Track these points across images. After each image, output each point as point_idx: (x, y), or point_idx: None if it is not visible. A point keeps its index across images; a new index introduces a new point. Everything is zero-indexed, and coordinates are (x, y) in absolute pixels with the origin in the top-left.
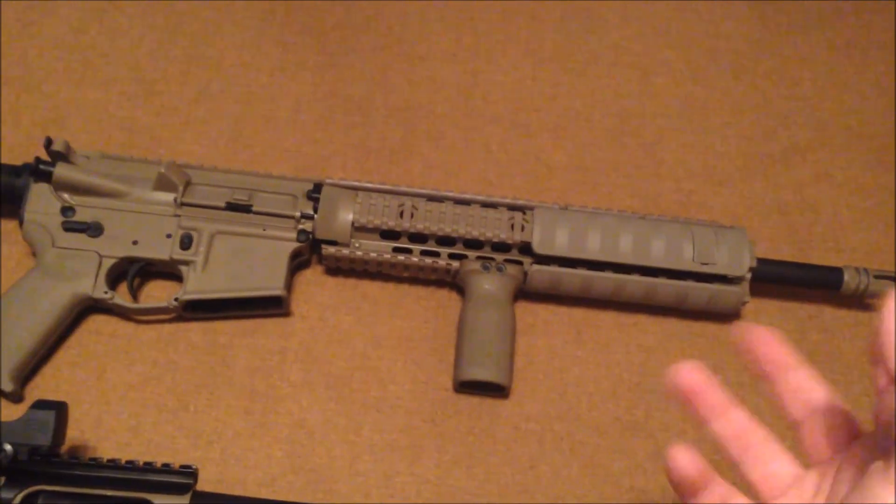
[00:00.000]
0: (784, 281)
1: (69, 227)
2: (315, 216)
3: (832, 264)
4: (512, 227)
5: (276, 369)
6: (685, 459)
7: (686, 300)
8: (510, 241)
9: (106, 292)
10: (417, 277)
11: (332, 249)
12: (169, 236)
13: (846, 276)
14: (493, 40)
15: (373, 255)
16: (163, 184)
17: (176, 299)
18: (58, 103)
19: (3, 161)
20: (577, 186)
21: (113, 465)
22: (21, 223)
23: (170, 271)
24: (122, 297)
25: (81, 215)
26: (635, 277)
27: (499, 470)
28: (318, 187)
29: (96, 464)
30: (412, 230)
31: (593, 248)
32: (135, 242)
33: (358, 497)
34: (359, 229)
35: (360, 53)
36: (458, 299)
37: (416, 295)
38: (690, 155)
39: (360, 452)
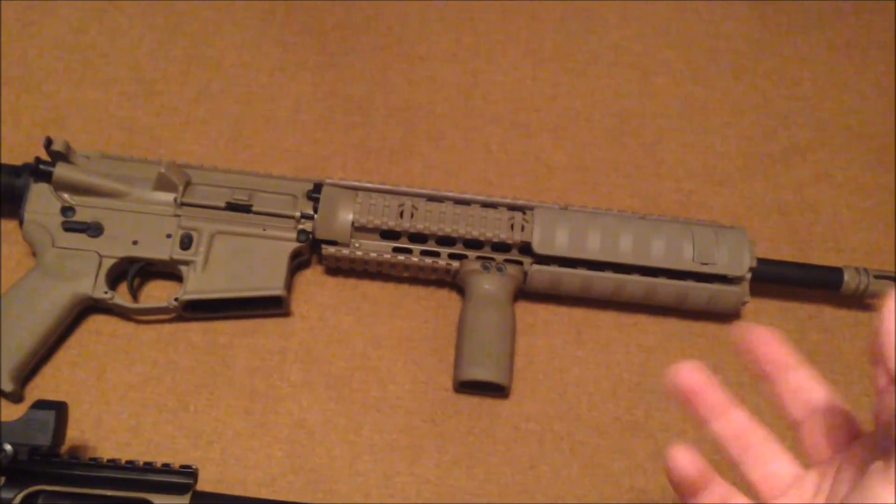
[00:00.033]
0: (784, 281)
1: (69, 227)
2: (315, 216)
3: (832, 264)
4: (512, 227)
5: (276, 369)
6: (685, 459)
7: (686, 300)
8: (510, 241)
9: (106, 292)
10: (417, 277)
11: (332, 249)
12: (169, 236)
13: (846, 276)
14: (493, 40)
15: (373, 255)
16: (163, 184)
17: (176, 299)
18: (58, 103)
19: (4, 161)
20: (577, 186)
21: (113, 465)
22: (21, 223)
23: (170, 271)
24: (122, 297)
25: (81, 215)
26: (635, 277)
27: (499, 470)
28: (318, 187)
29: (96, 464)
30: (412, 230)
31: (593, 248)
32: (135, 242)
33: (358, 497)
34: (359, 229)
35: (360, 53)
36: (458, 299)
37: (416, 295)
38: (690, 155)
39: (360, 452)
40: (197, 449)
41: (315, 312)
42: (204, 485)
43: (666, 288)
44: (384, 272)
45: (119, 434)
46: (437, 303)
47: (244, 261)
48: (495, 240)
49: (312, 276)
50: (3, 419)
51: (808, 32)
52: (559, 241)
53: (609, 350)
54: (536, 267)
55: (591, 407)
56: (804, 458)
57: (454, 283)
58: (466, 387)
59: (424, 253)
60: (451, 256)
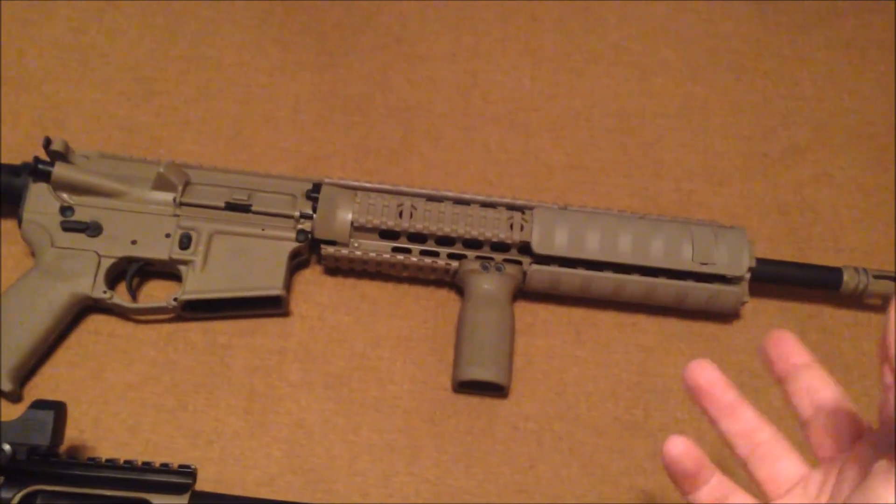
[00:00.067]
0: (783, 281)
1: (68, 227)
2: (314, 216)
3: (832, 264)
4: (511, 226)
5: (276, 369)
6: (680, 449)
7: (685, 300)
8: (509, 241)
9: (105, 292)
10: (417, 277)
11: (331, 249)
12: (168, 236)
13: (845, 276)
14: (492, 40)
15: (372, 254)
16: (162, 183)
17: (175, 299)
18: (57, 103)
19: (3, 161)
20: (576, 186)
21: (111, 464)
22: (20, 223)
23: (169, 271)
24: (120, 296)
25: (80, 215)
26: (635, 277)
27: (498, 470)
28: (317, 187)
29: (95, 464)
30: (411, 230)
31: (592, 247)
32: (134, 242)
33: (357, 497)
34: (358, 229)
35: (359, 53)
36: (457, 299)
37: (416, 295)
38: (690, 154)
39: (358, 452)
40: (196, 449)
41: (314, 312)
42: (203, 484)
43: (665, 288)
44: (383, 272)
45: (118, 434)
46: (436, 303)
47: (243, 261)
48: (494, 240)
49: (311, 276)
50: (1, 419)
51: (808, 32)
52: (558, 240)
53: (608, 350)
54: (536, 267)
55: (590, 407)
56: (811, 457)
57: (453, 282)
58: (465, 386)
59: (423, 253)
60: (451, 256)
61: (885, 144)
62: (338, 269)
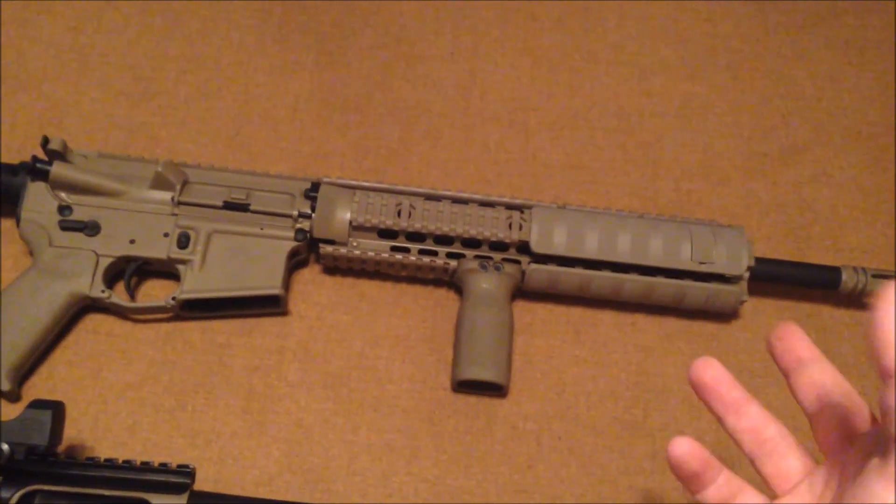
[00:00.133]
0: (782, 280)
1: (66, 226)
2: (313, 215)
3: (830, 263)
4: (510, 226)
5: (274, 369)
6: (685, 449)
7: (684, 299)
8: (508, 241)
9: (103, 291)
10: (415, 276)
11: (329, 248)
12: (166, 235)
13: (844, 276)
14: (491, 39)
15: (370, 254)
16: (160, 182)
17: (173, 298)
18: (55, 102)
19: (1, 160)
20: (574, 185)
21: (110, 464)
22: (18, 222)
23: (167, 270)
24: (119, 296)
25: (78, 214)
26: (633, 277)
27: (497, 469)
28: (315, 186)
29: (93, 463)
30: (410, 229)
31: (591, 247)
32: (132, 241)
33: (356, 496)
34: (356, 228)
35: (358, 52)
36: (455, 298)
37: (414, 294)
38: (689, 154)
39: (357, 452)
40: (194, 448)
41: (313, 312)
42: (201, 484)
43: (664, 287)
44: (382, 271)
45: (116, 433)
46: (434, 302)
47: (242, 260)
48: (493, 239)
49: (310, 276)
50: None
51: (807, 31)
52: (557, 240)
53: (607, 349)
54: (534, 266)
55: (589, 406)
56: (818, 453)
57: (452, 282)
58: (464, 386)
59: (422, 252)
60: (449, 255)
61: (884, 144)
62: (336, 268)
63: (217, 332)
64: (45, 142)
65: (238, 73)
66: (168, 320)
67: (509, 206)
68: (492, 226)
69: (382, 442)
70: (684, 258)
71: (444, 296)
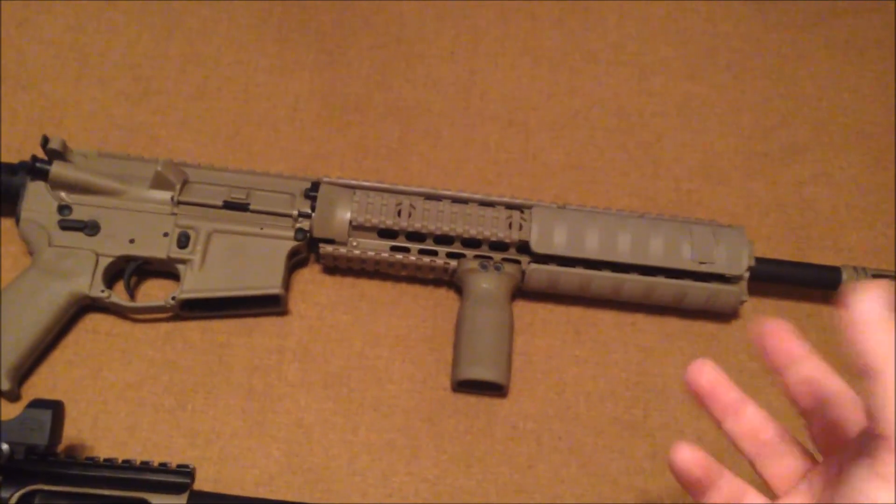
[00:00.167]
0: (782, 280)
1: (66, 226)
2: (313, 215)
3: (831, 263)
4: (510, 225)
5: (274, 368)
6: (687, 456)
7: (684, 299)
8: (508, 240)
9: (103, 291)
10: (415, 276)
11: (329, 248)
12: (166, 235)
13: (844, 276)
14: (491, 39)
15: (370, 253)
16: (160, 182)
17: (173, 298)
18: (55, 101)
19: (1, 159)
20: (575, 185)
21: (110, 464)
22: (17, 221)
23: (167, 270)
24: (118, 295)
25: (78, 214)
26: (634, 276)
27: (497, 469)
28: (315, 186)
29: (93, 463)
30: (410, 229)
31: (591, 247)
32: (132, 241)
33: (356, 496)
34: (356, 228)
35: (358, 52)
36: (455, 298)
37: (414, 294)
38: (689, 154)
39: (357, 452)
40: (194, 448)
41: (313, 311)
42: (201, 484)
43: (664, 287)
44: (382, 271)
45: (116, 433)
46: (434, 302)
47: (242, 259)
48: (493, 239)
49: (310, 275)
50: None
51: (807, 31)
52: (557, 239)
53: (607, 349)
54: (534, 266)
55: (589, 406)
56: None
57: (452, 282)
58: (464, 386)
59: (422, 252)
60: (449, 255)
61: (884, 144)
62: (336, 268)
63: (217, 332)
64: (45, 141)
65: (238, 72)
66: (168, 320)
67: (509, 206)
68: (492, 225)
69: (382, 442)
70: (684, 258)
71: (444, 296)
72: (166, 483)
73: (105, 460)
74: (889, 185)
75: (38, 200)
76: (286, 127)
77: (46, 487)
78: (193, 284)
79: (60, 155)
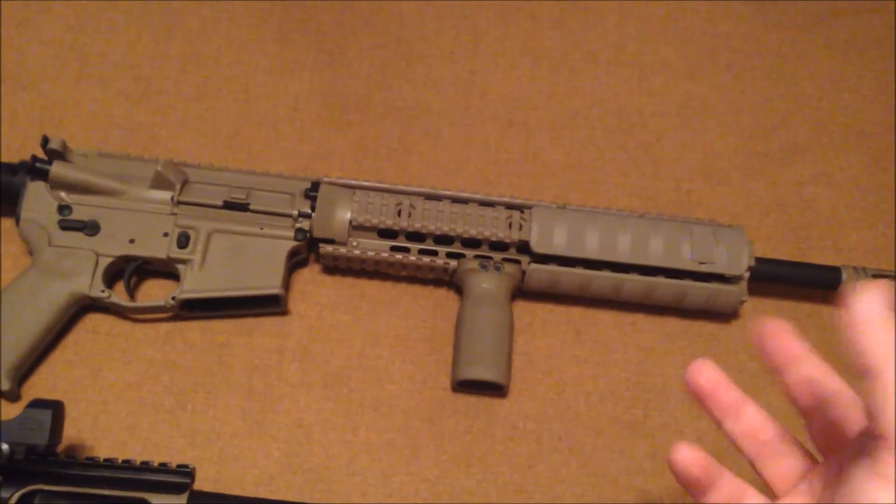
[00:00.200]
0: (782, 280)
1: (66, 226)
2: (313, 215)
3: (831, 263)
4: (510, 225)
5: (274, 368)
6: (688, 457)
7: (684, 299)
8: (508, 240)
9: (103, 291)
10: (415, 276)
11: (329, 248)
12: (166, 235)
13: (844, 276)
14: (491, 39)
15: (370, 253)
16: (160, 182)
17: (173, 298)
18: (55, 101)
19: (1, 159)
20: (575, 185)
21: (110, 464)
22: (17, 221)
23: (167, 270)
24: (118, 295)
25: (78, 213)
26: (634, 276)
27: (497, 469)
28: (315, 186)
29: (93, 463)
30: (410, 229)
31: (591, 247)
32: (132, 241)
33: (356, 496)
34: (356, 228)
35: (358, 52)
36: (455, 298)
37: (414, 294)
38: (689, 154)
39: (357, 452)
40: (194, 448)
41: (313, 311)
42: (201, 484)
43: (664, 287)
44: (382, 271)
45: (116, 433)
46: (434, 302)
47: (242, 259)
48: (493, 239)
49: (310, 275)
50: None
51: (807, 31)
52: (557, 239)
53: (607, 349)
54: (534, 266)
55: (589, 406)
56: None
57: (452, 282)
58: (464, 386)
59: (422, 252)
60: (449, 255)
61: (885, 144)
62: (336, 268)
63: (217, 332)
64: (45, 141)
65: (238, 72)
66: (168, 320)
67: (509, 206)
68: (492, 225)
69: (382, 442)
70: (684, 258)
71: (444, 296)
72: (166, 483)
73: (105, 460)
74: (889, 185)
75: (38, 200)
76: (286, 127)
77: (46, 487)
78: (193, 284)
79: (60, 155)
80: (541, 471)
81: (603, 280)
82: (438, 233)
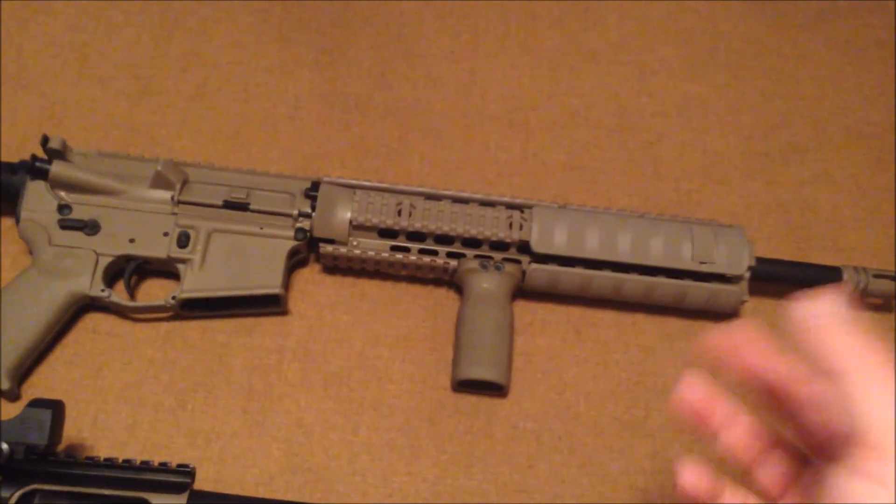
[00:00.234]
0: (783, 280)
1: (66, 225)
2: (313, 214)
3: (831, 263)
4: (510, 225)
5: (274, 368)
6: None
7: (685, 299)
8: (508, 240)
9: (103, 290)
10: (415, 276)
11: (329, 248)
12: (166, 234)
13: (845, 276)
14: (491, 39)
15: (371, 253)
16: (160, 182)
17: (173, 297)
18: (55, 101)
19: (1, 159)
20: (575, 185)
21: (110, 464)
22: (17, 221)
23: (167, 269)
24: (119, 295)
25: (78, 213)
26: (634, 276)
27: (497, 469)
28: (315, 185)
29: (93, 463)
30: (410, 229)
31: (592, 246)
32: (132, 240)
33: (356, 496)
34: (357, 228)
35: (358, 51)
36: (456, 298)
37: (415, 294)
38: (689, 153)
39: (358, 452)
40: (194, 448)
41: (313, 311)
42: (201, 484)
43: (665, 287)
44: (382, 271)
45: (116, 433)
46: (435, 302)
47: (242, 259)
48: (493, 238)
49: (310, 275)
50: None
51: (807, 31)
52: (557, 239)
53: (608, 349)
54: (535, 266)
55: (589, 406)
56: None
57: (452, 281)
58: (465, 386)
59: (422, 251)
60: (450, 255)
61: (885, 144)
62: (336, 267)
63: (217, 332)
64: (45, 141)
65: (238, 72)
66: (168, 319)
67: (510, 206)
68: (492, 225)
69: (382, 441)
70: (685, 258)
71: (445, 295)
72: (166, 483)
73: (105, 460)
74: (889, 185)
75: (37, 200)
76: (286, 127)
77: (46, 487)
78: (193, 284)
79: (60, 154)
80: (541, 471)
81: (603, 280)
82: (439, 232)
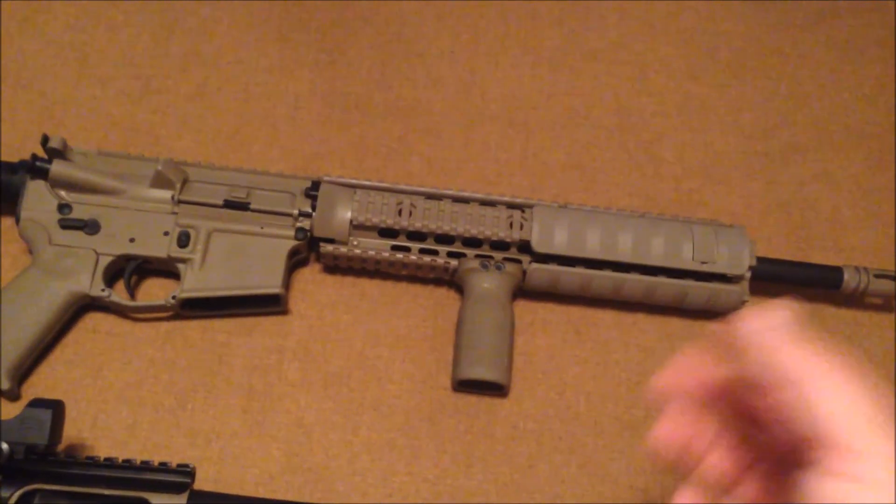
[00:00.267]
0: (784, 280)
1: (66, 225)
2: (313, 214)
3: (832, 263)
4: (511, 225)
5: (275, 368)
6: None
7: (685, 299)
8: (509, 240)
9: (103, 290)
10: (416, 276)
11: (330, 247)
12: (166, 234)
13: (846, 276)
14: (491, 38)
15: (371, 253)
16: (160, 181)
17: (173, 297)
18: (55, 100)
19: (1, 158)
20: (575, 184)
21: (110, 463)
22: (17, 221)
23: (167, 269)
24: (119, 294)
25: (78, 212)
26: (635, 276)
27: (497, 469)
28: (316, 185)
29: (93, 462)
30: (410, 228)
31: (592, 246)
32: (132, 240)
33: (356, 496)
34: (357, 227)
35: (358, 51)
36: (456, 298)
37: (415, 293)
38: (690, 153)
39: (358, 451)
40: (194, 448)
41: (313, 311)
42: (201, 484)
43: (665, 287)
44: (382, 270)
45: (116, 433)
46: (435, 301)
47: (242, 259)
48: (494, 238)
49: (310, 275)
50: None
51: (808, 31)
52: (558, 239)
53: (608, 349)
54: (535, 265)
55: (589, 406)
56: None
57: (453, 281)
58: (465, 386)
59: (423, 251)
60: (450, 255)
61: (885, 144)
62: (337, 267)
63: (217, 331)
64: (45, 140)
65: (238, 71)
66: (168, 319)
67: (510, 206)
68: (493, 225)
69: (383, 441)
70: (686, 258)
71: (445, 295)
72: (166, 482)
73: (105, 460)
74: (889, 185)
75: (38, 199)
76: (286, 126)
77: (46, 487)
78: (194, 283)
79: (60, 154)
80: (541, 471)
81: (604, 280)
82: (439, 232)
